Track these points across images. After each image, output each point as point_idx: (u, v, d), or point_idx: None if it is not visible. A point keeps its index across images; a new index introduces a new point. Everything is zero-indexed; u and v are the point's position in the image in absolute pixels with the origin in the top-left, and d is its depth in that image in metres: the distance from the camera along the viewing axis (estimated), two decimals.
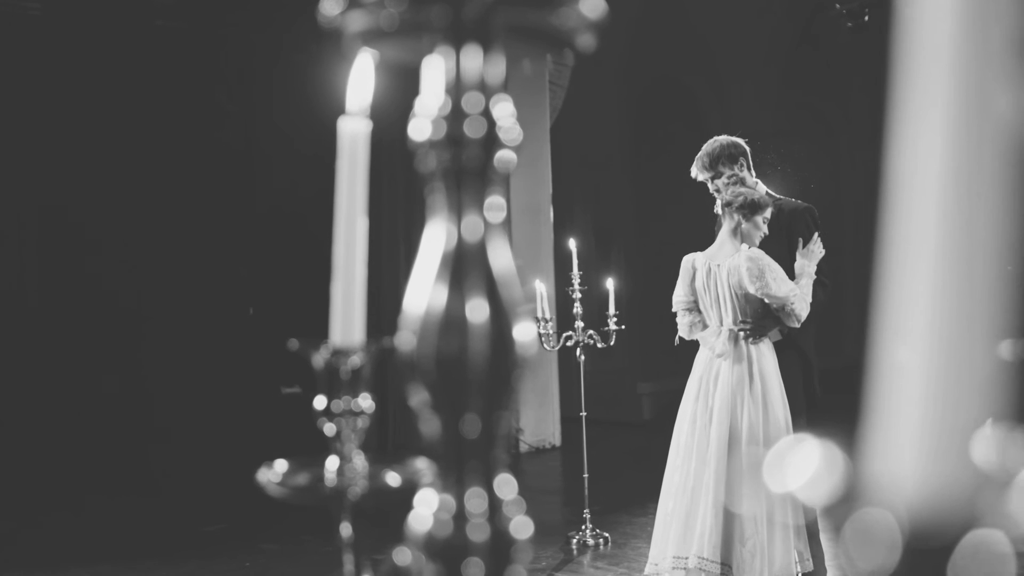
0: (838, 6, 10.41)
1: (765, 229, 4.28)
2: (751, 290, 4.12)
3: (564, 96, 10.06)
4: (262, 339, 8.99)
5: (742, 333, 4.22)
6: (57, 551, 6.07)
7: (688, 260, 4.43)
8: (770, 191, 4.58)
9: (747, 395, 4.15)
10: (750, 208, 4.24)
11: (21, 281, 8.13)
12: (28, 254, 8.17)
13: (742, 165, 4.47)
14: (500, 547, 0.54)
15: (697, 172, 4.52)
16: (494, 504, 0.54)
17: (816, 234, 4.39)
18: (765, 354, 4.23)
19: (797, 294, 4.14)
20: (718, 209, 4.40)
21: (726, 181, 4.33)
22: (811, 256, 4.33)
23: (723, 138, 4.52)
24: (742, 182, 4.34)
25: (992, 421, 0.24)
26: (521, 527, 0.55)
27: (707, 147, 4.51)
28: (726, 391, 4.19)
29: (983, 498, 0.23)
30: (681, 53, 11.46)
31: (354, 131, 0.86)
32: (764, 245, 4.45)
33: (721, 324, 4.28)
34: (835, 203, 12.29)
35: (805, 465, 0.26)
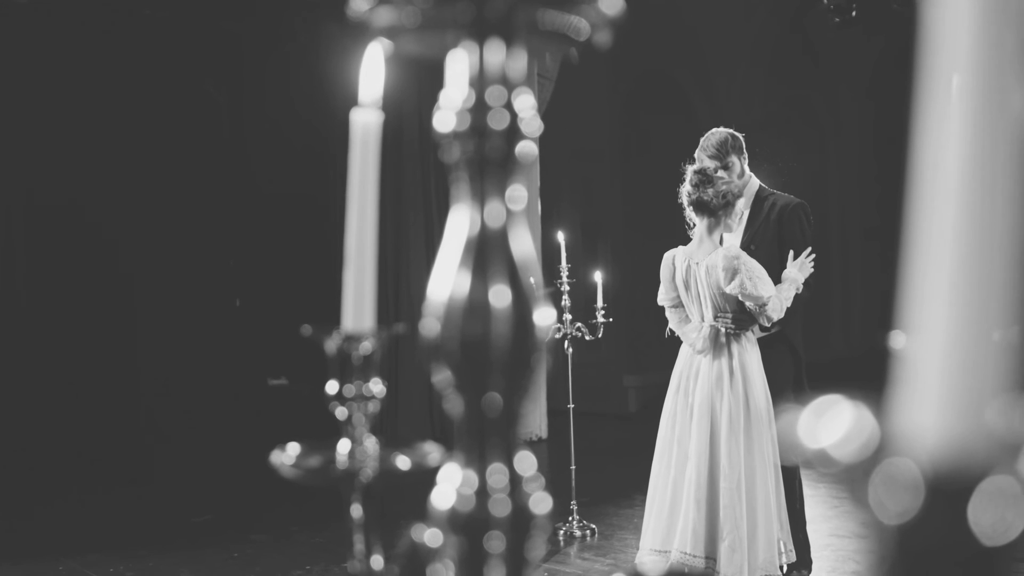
0: (825, 1, 10.45)
1: (735, 223, 4.29)
2: (727, 289, 4.13)
3: (553, 89, 10.07)
4: (249, 331, 8.99)
5: (723, 327, 4.23)
6: (46, 541, 6.07)
7: (668, 257, 4.43)
8: (764, 184, 4.61)
9: (727, 390, 4.16)
10: (724, 211, 4.24)
11: (9, 274, 8.11)
12: (15, 246, 8.14)
13: (744, 157, 4.51)
14: (520, 521, 0.57)
15: (707, 161, 4.48)
16: (514, 480, 0.57)
17: (810, 248, 4.39)
18: (747, 349, 4.24)
19: (773, 296, 4.13)
20: (689, 215, 4.34)
21: (696, 181, 4.28)
22: (802, 269, 4.33)
23: (724, 129, 4.54)
24: (709, 180, 4.25)
25: (1006, 390, 0.27)
26: (540, 502, 0.58)
27: (713, 137, 4.49)
28: (705, 387, 4.21)
29: (997, 454, 0.27)
30: (670, 47, 11.48)
31: (366, 122, 0.88)
32: (755, 236, 4.48)
33: (702, 320, 4.30)
34: (820, 196, 12.35)
35: (838, 423, 0.29)
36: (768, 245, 4.46)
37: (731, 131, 4.54)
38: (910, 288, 0.29)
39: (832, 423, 0.29)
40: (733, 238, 4.59)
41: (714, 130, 4.56)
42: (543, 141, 9.55)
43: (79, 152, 8.15)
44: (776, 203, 4.50)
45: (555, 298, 6.13)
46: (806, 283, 4.37)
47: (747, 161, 4.55)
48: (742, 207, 4.31)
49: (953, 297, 0.28)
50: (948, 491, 0.26)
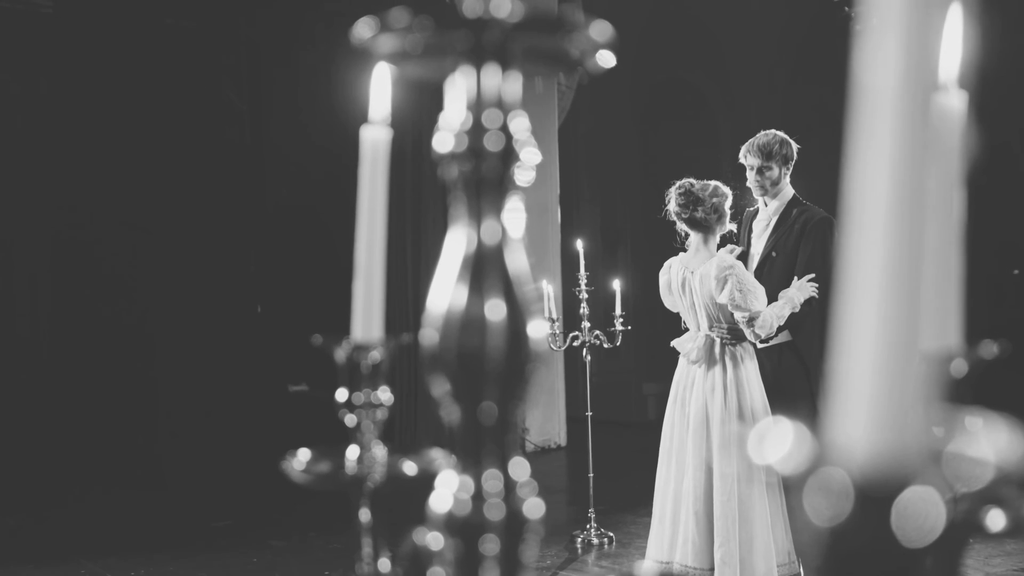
0: (846, 9, 10.43)
1: (728, 226, 4.31)
2: (718, 299, 4.12)
3: (572, 97, 10.10)
4: (270, 337, 9.06)
5: (719, 337, 4.21)
6: (66, 545, 6.13)
7: (665, 267, 4.45)
8: (798, 195, 4.59)
9: (720, 402, 4.13)
10: (718, 223, 4.26)
11: (32, 277, 8.20)
12: (39, 249, 8.24)
13: (787, 169, 4.49)
14: (514, 525, 0.59)
15: (749, 157, 4.48)
16: (509, 485, 0.60)
17: (813, 275, 4.33)
18: (744, 360, 4.20)
19: (764, 311, 4.09)
20: (680, 227, 4.36)
21: (682, 202, 4.27)
22: (801, 289, 4.29)
23: (779, 134, 4.52)
24: (697, 200, 4.24)
25: (927, 405, 0.30)
26: (533, 507, 0.60)
27: (764, 138, 4.46)
28: (699, 400, 4.19)
29: (920, 463, 0.30)
30: (690, 53, 11.49)
31: (375, 139, 0.91)
32: (777, 243, 4.46)
33: (699, 329, 4.30)
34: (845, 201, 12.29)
35: (781, 440, 0.32)
36: (789, 255, 4.45)
37: (785, 138, 4.51)
38: (842, 308, 0.31)
39: (776, 441, 0.31)
40: (757, 244, 4.60)
41: (770, 131, 4.54)
42: (562, 149, 9.54)
43: (100, 156, 8.24)
44: (803, 214, 4.48)
45: (573, 306, 6.15)
46: (808, 303, 4.31)
47: (789, 173, 4.54)
48: (728, 207, 4.31)
49: (881, 317, 0.30)
50: (875, 498, 0.29)
